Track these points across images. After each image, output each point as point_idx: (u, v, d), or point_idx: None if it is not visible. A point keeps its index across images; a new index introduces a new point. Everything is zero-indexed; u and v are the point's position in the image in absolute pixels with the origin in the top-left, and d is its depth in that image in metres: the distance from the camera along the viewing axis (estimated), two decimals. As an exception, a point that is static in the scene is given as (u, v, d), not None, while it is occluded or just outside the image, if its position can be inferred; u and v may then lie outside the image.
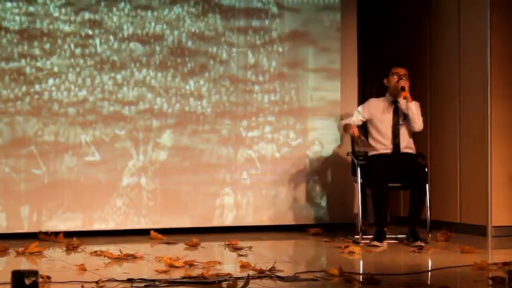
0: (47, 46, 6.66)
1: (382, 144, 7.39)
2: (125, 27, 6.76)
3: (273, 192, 8.06)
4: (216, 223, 7.91)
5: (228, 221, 7.95)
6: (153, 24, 6.83)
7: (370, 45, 8.56)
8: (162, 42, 6.84)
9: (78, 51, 6.70)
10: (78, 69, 6.80)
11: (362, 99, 8.02)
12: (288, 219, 8.12)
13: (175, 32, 6.85)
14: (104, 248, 6.58)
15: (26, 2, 6.50)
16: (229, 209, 7.97)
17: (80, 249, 6.76)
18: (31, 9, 6.52)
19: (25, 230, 7.44)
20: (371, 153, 7.42)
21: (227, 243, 7.02)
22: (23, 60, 6.64)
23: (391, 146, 7.37)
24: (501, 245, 7.32)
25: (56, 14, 6.64)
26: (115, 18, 6.77)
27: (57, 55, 6.68)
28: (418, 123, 7.34)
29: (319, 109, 7.69)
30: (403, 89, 7.22)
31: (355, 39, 7.61)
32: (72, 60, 6.74)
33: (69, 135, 7.15)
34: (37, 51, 6.62)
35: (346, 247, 6.80)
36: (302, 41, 7.30)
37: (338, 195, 8.21)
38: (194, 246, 7.00)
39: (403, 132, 7.39)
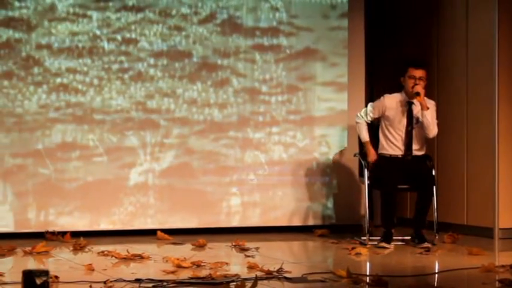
0: (89, 62, 7.35)
1: (393, 145, 7.36)
2: (158, 44, 7.46)
3: (280, 193, 8.12)
4: (223, 224, 7.97)
5: (235, 221, 8.02)
6: (182, 42, 7.53)
7: (377, 49, 8.56)
8: (190, 58, 7.55)
9: (115, 66, 7.36)
10: (116, 81, 7.43)
11: None
12: (295, 221, 8.18)
13: (202, 49, 7.59)
14: (111, 248, 6.62)
15: (72, 22, 7.17)
16: (236, 210, 8.04)
17: (87, 249, 6.81)
18: (75, 28, 7.21)
19: (32, 229, 7.49)
20: (381, 152, 7.40)
21: (234, 244, 7.05)
22: (70, 75, 7.33)
23: (403, 149, 7.34)
24: (508, 247, 7.35)
25: (98, 33, 7.32)
26: (149, 37, 7.48)
27: (98, 69, 7.36)
28: (432, 131, 7.31)
29: (328, 118, 8.09)
30: (417, 94, 7.19)
31: (362, 55, 8.15)
32: (111, 74, 7.41)
33: (77, 135, 7.50)
34: (80, 66, 7.32)
35: (353, 248, 6.82)
36: (313, 57, 7.97)
37: (345, 196, 8.24)
38: (201, 246, 7.04)
39: (416, 135, 7.35)
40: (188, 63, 7.58)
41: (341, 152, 8.27)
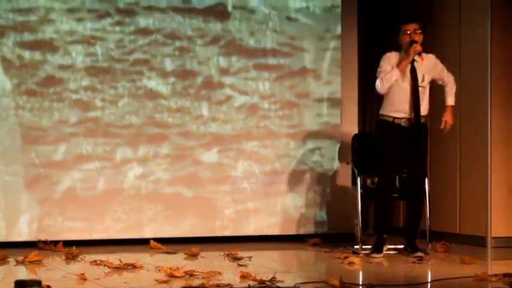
0: (104, 80, 7.78)
1: (400, 108, 7.13)
2: (167, 65, 7.92)
3: (273, 202, 8.18)
4: (216, 233, 8.02)
5: (228, 230, 8.06)
6: (189, 62, 7.97)
7: (370, 55, 8.58)
8: (196, 77, 7.98)
9: (128, 85, 7.80)
10: (129, 98, 7.85)
11: (362, 123, 8.69)
12: (288, 230, 8.21)
13: (207, 69, 8.02)
14: (103, 257, 6.61)
15: (89, 44, 7.64)
16: (229, 218, 8.08)
17: (79, 259, 6.80)
18: (92, 50, 7.65)
19: (24, 238, 7.51)
20: (383, 113, 7.23)
21: (227, 253, 7.04)
22: (88, 92, 7.75)
23: (407, 110, 7.12)
24: (501, 256, 7.35)
25: (113, 54, 7.74)
26: (159, 58, 7.94)
27: (112, 87, 7.79)
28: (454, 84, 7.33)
29: (322, 131, 8.36)
30: (415, 42, 7.04)
31: (355, 73, 8.52)
32: (125, 91, 7.84)
33: (71, 147, 7.76)
34: (96, 85, 7.76)
35: (346, 257, 6.81)
36: (309, 76, 8.32)
37: (338, 205, 8.27)
38: (194, 256, 7.04)
39: (422, 94, 7.14)
40: (194, 81, 7.99)
41: (334, 162, 8.29)
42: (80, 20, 7.73)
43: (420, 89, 7.15)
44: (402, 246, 7.31)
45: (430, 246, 7.36)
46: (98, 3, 7.75)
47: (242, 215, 8.11)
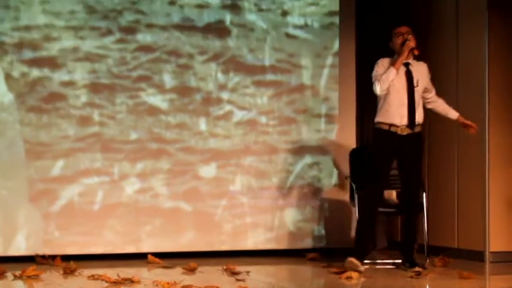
0: (107, 96, 7.39)
1: (396, 112, 6.57)
2: (168, 81, 7.51)
3: (271, 217, 7.75)
4: (214, 247, 7.58)
5: (226, 245, 7.62)
6: (190, 79, 7.58)
7: (368, 71, 8.14)
8: (197, 93, 7.59)
9: (131, 101, 7.39)
10: (131, 115, 7.44)
11: (359, 139, 8.32)
12: (286, 244, 7.78)
13: (208, 85, 7.63)
14: (101, 272, 6.22)
15: (92, 61, 7.26)
16: (227, 233, 7.65)
17: (77, 273, 6.38)
18: (96, 67, 7.27)
19: (22, 253, 7.07)
20: (378, 120, 6.66)
21: (225, 267, 6.60)
22: (90, 108, 7.34)
23: (405, 114, 6.55)
24: (499, 270, 6.92)
25: (115, 71, 7.35)
26: (161, 75, 7.54)
27: (115, 104, 7.40)
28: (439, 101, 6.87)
29: (320, 146, 7.97)
30: (407, 40, 6.57)
31: (353, 89, 8.14)
32: (127, 108, 7.43)
33: (71, 162, 7.33)
34: (99, 101, 7.37)
35: (343, 272, 6.37)
36: (307, 92, 7.94)
37: (336, 219, 7.85)
38: (192, 270, 6.60)
39: (417, 97, 6.61)
40: (194, 97, 7.62)
41: (332, 177, 7.85)
42: (82, 37, 7.35)
43: (416, 92, 6.66)
44: (400, 261, 6.83)
45: (428, 260, 6.94)
46: (100, 21, 7.38)
47: (240, 230, 7.68)
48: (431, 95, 6.86)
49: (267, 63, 7.82)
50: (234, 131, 7.70)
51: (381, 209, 6.84)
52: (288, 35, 7.86)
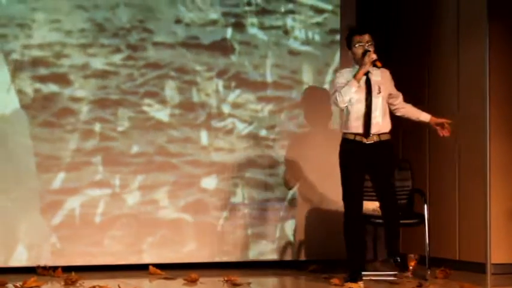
0: (116, 112, 6.80)
1: (358, 122, 5.66)
2: (175, 97, 6.93)
3: (273, 228, 7.04)
4: (215, 259, 6.86)
5: (227, 256, 6.90)
6: (196, 94, 7.00)
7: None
8: (203, 109, 7.00)
9: (139, 116, 6.82)
10: (139, 129, 6.84)
11: None
12: (287, 256, 7.05)
13: (213, 100, 7.04)
14: (102, 283, 5.49)
15: (102, 78, 6.71)
16: (229, 244, 6.93)
17: (78, 284, 5.68)
18: (105, 83, 6.73)
19: (23, 264, 6.38)
20: (344, 131, 5.75)
21: (226, 279, 5.88)
22: (100, 123, 6.74)
23: (362, 124, 5.64)
24: (500, 282, 6.16)
25: (124, 87, 6.79)
26: (168, 91, 6.94)
27: (123, 118, 6.80)
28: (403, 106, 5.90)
29: (321, 159, 7.17)
30: (368, 51, 5.64)
31: None
32: (135, 122, 6.84)
33: (79, 175, 6.67)
34: (108, 116, 6.78)
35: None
36: (310, 107, 7.32)
37: (337, 231, 6.98)
38: (193, 281, 5.89)
39: (379, 106, 5.68)
40: (200, 113, 6.98)
41: (334, 189, 7.04)
42: (92, 55, 6.75)
43: (376, 100, 5.71)
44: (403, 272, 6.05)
45: (429, 272, 6.20)
46: (109, 39, 6.78)
47: (242, 241, 6.97)
48: (398, 101, 5.93)
49: (269, 79, 7.19)
50: (237, 144, 7.06)
51: (380, 221, 6.07)
52: (290, 52, 7.24)
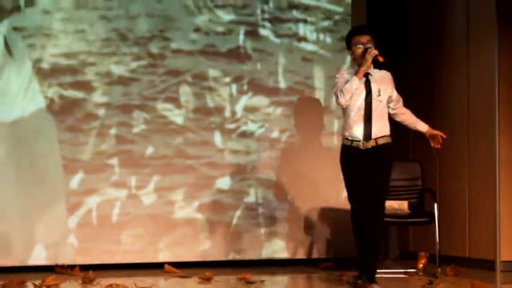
0: (138, 116, 6.31)
1: (356, 126, 4.94)
2: (193, 102, 6.43)
3: (286, 227, 6.49)
4: (229, 257, 6.33)
5: (241, 255, 6.36)
6: (214, 99, 6.49)
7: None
8: (220, 113, 6.50)
9: (159, 120, 6.34)
10: (159, 133, 6.35)
11: None
12: (300, 254, 6.49)
13: (230, 105, 6.53)
14: (119, 281, 5.04)
15: (124, 84, 6.25)
16: (242, 243, 6.39)
17: (95, 282, 5.19)
18: (127, 90, 6.26)
19: (42, 263, 5.88)
20: (344, 134, 5.05)
21: (240, 277, 5.35)
22: (123, 127, 6.25)
23: (362, 128, 4.92)
24: (510, 279, 5.56)
25: (145, 93, 6.32)
26: (187, 96, 6.44)
27: (145, 123, 6.31)
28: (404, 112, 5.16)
29: (333, 160, 6.04)
30: (367, 49, 4.92)
31: None
32: (156, 126, 6.34)
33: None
34: (130, 120, 6.30)
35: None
36: (321, 111, 6.75)
37: (349, 229, 6.36)
38: (207, 280, 5.37)
39: (379, 109, 4.96)
40: (218, 117, 6.49)
41: (344, 188, 6.45)
42: (116, 63, 6.29)
43: (376, 102, 4.97)
44: (412, 270, 5.43)
45: (439, 270, 5.63)
46: (132, 48, 6.32)
47: (255, 240, 6.42)
48: (398, 105, 5.14)
49: (283, 85, 6.66)
50: (251, 146, 6.53)
51: (391, 219, 5.46)
52: (303, 59, 6.70)
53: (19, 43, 6.08)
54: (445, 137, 5.16)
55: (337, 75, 5.14)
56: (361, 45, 4.98)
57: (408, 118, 5.20)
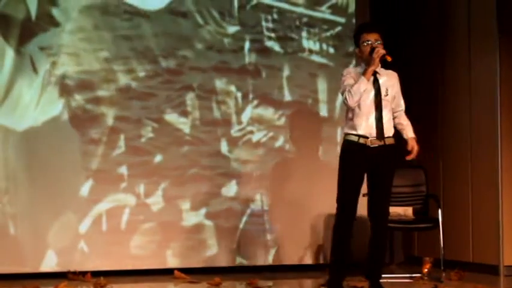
0: (155, 129, 5.76)
1: (364, 124, 4.25)
2: (207, 115, 5.90)
3: (293, 233, 5.88)
4: (237, 263, 5.73)
5: (249, 260, 5.76)
6: (225, 112, 5.97)
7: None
8: (231, 126, 5.96)
9: (176, 133, 5.81)
10: (175, 145, 5.80)
11: None
12: (307, 259, 5.86)
13: (241, 118, 6.00)
14: (129, 287, 4.54)
15: (142, 100, 5.73)
16: (250, 249, 5.79)
17: (107, 288, 4.55)
18: (145, 104, 5.75)
19: (54, 269, 5.32)
20: (347, 132, 4.35)
21: (248, 282, 4.74)
22: (142, 139, 5.71)
23: (374, 126, 4.23)
24: (514, 284, 4.80)
25: (162, 108, 5.80)
26: (201, 110, 5.89)
27: (162, 135, 5.78)
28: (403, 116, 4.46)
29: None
30: (384, 57, 4.24)
31: None
32: (172, 139, 5.80)
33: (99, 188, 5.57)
34: (148, 133, 5.77)
35: (363, 287, 4.42)
36: (330, 123, 6.18)
37: (356, 235, 5.71)
38: (216, 285, 4.77)
39: (386, 108, 4.28)
40: (230, 129, 5.97)
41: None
42: (135, 79, 5.77)
43: (384, 102, 4.31)
44: (417, 275, 4.74)
45: (444, 274, 4.97)
46: (149, 65, 5.81)
47: (262, 246, 5.82)
48: (399, 109, 4.45)
49: (292, 99, 6.09)
50: (265, 157, 5.99)
51: (396, 225, 4.79)
52: (311, 75, 6.14)
53: (43, 60, 5.57)
54: (414, 157, 4.40)
55: (343, 73, 4.46)
56: (368, 43, 4.30)
57: (401, 122, 4.45)
